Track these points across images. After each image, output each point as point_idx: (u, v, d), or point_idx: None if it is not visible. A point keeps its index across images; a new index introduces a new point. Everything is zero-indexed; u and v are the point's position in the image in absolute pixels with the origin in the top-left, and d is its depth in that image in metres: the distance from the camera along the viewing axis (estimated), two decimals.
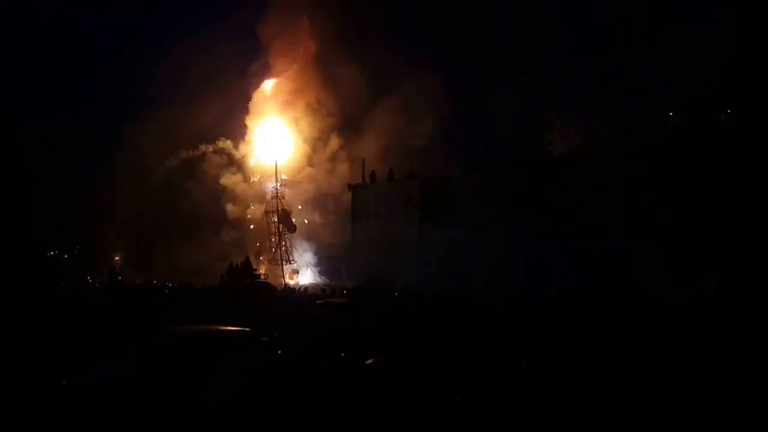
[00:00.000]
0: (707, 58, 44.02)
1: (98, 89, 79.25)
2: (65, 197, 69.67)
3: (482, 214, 42.60)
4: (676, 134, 40.48)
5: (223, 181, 73.23)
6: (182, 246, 69.78)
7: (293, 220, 68.97)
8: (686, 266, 31.86)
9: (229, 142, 75.05)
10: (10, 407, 10.75)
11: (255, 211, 72.07)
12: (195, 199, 71.99)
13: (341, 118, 71.74)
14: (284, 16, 69.68)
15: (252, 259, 60.45)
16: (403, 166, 52.46)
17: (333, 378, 12.63)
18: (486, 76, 61.44)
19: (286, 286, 54.36)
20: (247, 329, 16.00)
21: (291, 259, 67.25)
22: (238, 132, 75.68)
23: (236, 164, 74.90)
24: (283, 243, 67.78)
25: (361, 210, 52.39)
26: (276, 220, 68.15)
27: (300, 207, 70.27)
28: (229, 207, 72.35)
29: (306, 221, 69.83)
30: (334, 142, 70.20)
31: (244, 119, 75.24)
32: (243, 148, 75.17)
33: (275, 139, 72.55)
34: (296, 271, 66.70)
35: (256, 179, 73.61)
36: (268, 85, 74.96)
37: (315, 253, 66.87)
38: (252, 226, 72.43)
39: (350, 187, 55.14)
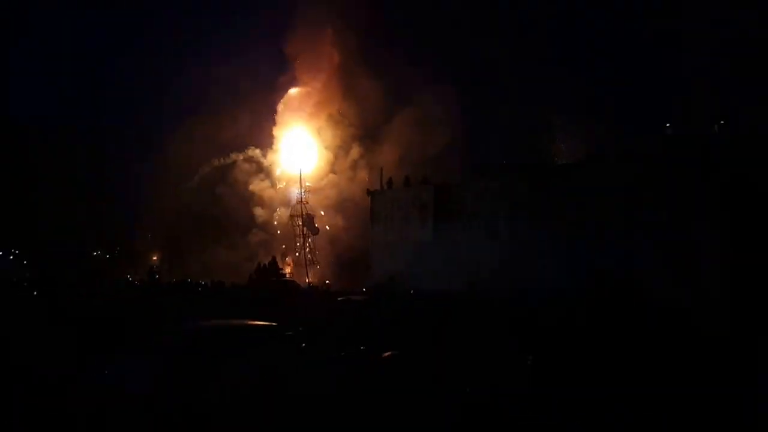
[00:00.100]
0: (705, 67, 43.93)
1: (140, 101, 79.76)
2: (106, 201, 70.15)
3: (491, 217, 42.53)
4: (672, 143, 40.35)
5: (252, 187, 73.62)
6: (214, 247, 70.19)
7: (316, 224, 69.26)
8: (686, 267, 31.63)
9: (258, 151, 75.64)
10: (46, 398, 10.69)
11: (281, 214, 72.41)
12: (226, 204, 72.54)
13: (362, 129, 72.17)
14: (309, 32, 70.31)
15: (278, 260, 60.55)
16: (418, 173, 52.48)
17: (352, 369, 12.56)
18: (495, 88, 61.67)
19: (310, 284, 54.33)
20: (273, 323, 15.95)
21: (314, 259, 67.33)
22: (266, 141, 76.27)
23: (264, 171, 75.39)
24: (307, 245, 67.89)
25: (379, 214, 52.35)
26: (300, 223, 68.37)
27: (323, 213, 70.52)
28: (258, 211, 72.75)
29: (327, 227, 70.03)
30: (355, 151, 70.60)
31: (271, 129, 75.85)
32: (270, 156, 75.66)
33: (300, 147, 72.94)
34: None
35: (282, 185, 73.98)
36: (294, 92, 75.39)
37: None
38: (279, 231, 72.71)
39: (369, 192, 55.14)
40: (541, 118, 57.92)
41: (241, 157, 75.31)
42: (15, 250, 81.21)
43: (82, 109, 77.84)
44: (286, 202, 72.38)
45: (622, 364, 12.48)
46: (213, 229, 72.15)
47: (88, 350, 13.42)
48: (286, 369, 12.93)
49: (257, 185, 74.07)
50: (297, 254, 68.15)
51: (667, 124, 43.74)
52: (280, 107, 75.58)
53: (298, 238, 68.58)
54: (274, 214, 72.90)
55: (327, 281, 56.61)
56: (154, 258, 76.70)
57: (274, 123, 75.71)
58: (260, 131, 76.49)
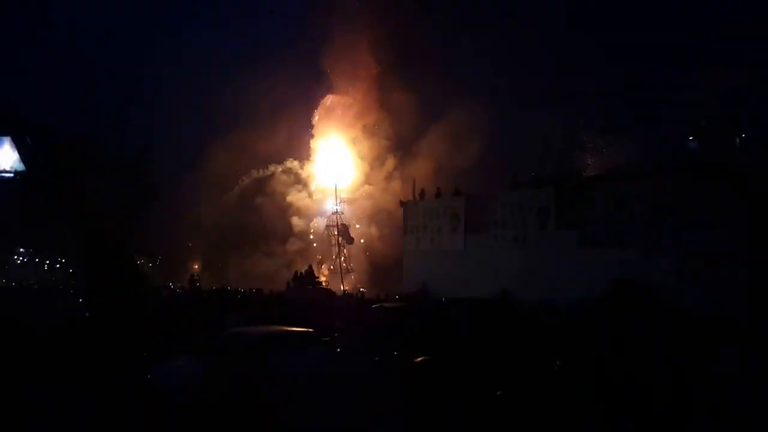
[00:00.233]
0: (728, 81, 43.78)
1: (183, 113, 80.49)
2: (148, 211, 70.90)
3: (520, 227, 42.54)
4: (694, 157, 40.29)
5: (290, 198, 74.20)
6: (253, 255, 70.80)
7: (351, 234, 69.56)
8: (709, 278, 31.47)
9: (296, 163, 76.25)
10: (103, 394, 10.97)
11: (317, 224, 72.81)
12: (265, 214, 73.15)
13: (396, 141, 72.56)
14: (346, 45, 70.65)
15: (315, 268, 60.84)
16: (451, 184, 52.53)
17: (385, 373, 12.78)
18: (525, 103, 61.60)
19: (345, 292, 54.54)
20: (310, 330, 16.22)
21: (349, 268, 67.58)
22: (304, 152, 76.88)
23: (302, 182, 75.95)
24: (342, 254, 68.20)
25: (411, 224, 52.40)
26: (336, 233, 68.71)
27: (357, 226, 70.83)
28: (295, 220, 73.30)
29: (362, 241, 70.33)
30: (390, 163, 70.96)
31: (309, 141, 76.45)
32: (308, 168, 76.15)
33: (336, 159, 73.41)
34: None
35: (318, 197, 74.43)
36: (330, 102, 75.94)
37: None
38: (315, 244, 73.12)
39: (402, 203, 55.24)
40: (571, 131, 58.11)
41: (280, 169, 76.09)
42: (62, 259, 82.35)
43: (125, 122, 78.52)
44: (322, 212, 72.85)
45: (641, 368, 12.59)
46: (252, 239, 72.84)
47: (137, 354, 13.76)
48: (322, 372, 13.18)
49: (294, 196, 74.73)
50: (333, 263, 68.43)
51: (690, 137, 43.71)
52: (316, 117, 76.26)
53: (333, 248, 68.89)
54: (311, 223, 73.41)
55: (362, 289, 56.75)
56: (195, 267, 77.37)
57: (311, 135, 76.46)
58: (298, 143, 77.34)
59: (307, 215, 73.85)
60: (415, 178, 56.88)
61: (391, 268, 59.45)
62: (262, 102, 70.98)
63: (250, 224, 73.15)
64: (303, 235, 73.31)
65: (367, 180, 72.88)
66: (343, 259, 67.79)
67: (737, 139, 40.45)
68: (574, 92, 58.02)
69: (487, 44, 61.11)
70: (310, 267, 58.84)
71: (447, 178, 56.34)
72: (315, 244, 72.78)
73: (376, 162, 72.72)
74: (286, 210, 73.88)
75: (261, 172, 75.90)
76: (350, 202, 71.68)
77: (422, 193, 53.35)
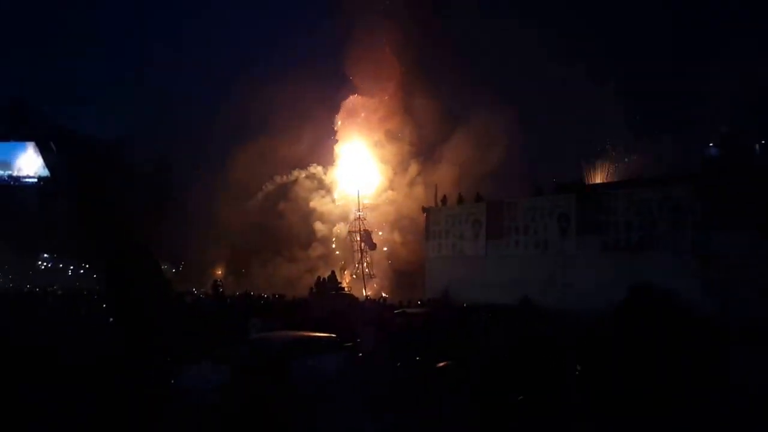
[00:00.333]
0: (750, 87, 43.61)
1: (207, 120, 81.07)
2: (172, 217, 71.26)
3: (541, 234, 42.54)
4: (714, 163, 40.19)
5: (313, 203, 74.28)
6: (276, 261, 70.92)
7: (374, 239, 69.48)
8: (729, 285, 31.27)
9: (319, 168, 76.39)
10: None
11: (340, 230, 72.83)
12: (288, 219, 73.22)
13: (419, 146, 72.49)
14: (368, 47, 70.67)
15: (337, 274, 60.87)
16: (472, 190, 52.53)
17: (408, 379, 12.77)
18: (547, 108, 61.54)
19: (367, 297, 54.55)
20: (333, 335, 16.25)
21: (372, 273, 67.54)
22: (327, 158, 77.02)
23: (325, 188, 76.04)
24: (365, 259, 68.17)
25: (433, 230, 52.42)
26: (359, 239, 68.68)
27: (380, 234, 70.76)
28: (318, 225, 73.32)
29: (385, 248, 70.26)
30: (413, 169, 70.87)
31: (332, 146, 76.57)
32: (331, 173, 76.24)
33: (358, 164, 73.38)
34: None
35: (341, 202, 74.43)
36: (352, 104, 75.96)
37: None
38: (336, 250, 73.16)
39: (424, 209, 55.25)
40: (593, 137, 57.93)
41: (303, 174, 76.27)
42: (85, 265, 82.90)
43: (150, 128, 79.16)
44: (344, 217, 72.87)
45: (660, 374, 12.45)
46: (275, 244, 72.96)
47: (161, 360, 13.81)
48: (344, 377, 13.21)
49: (318, 201, 74.80)
50: (355, 269, 68.42)
51: (710, 144, 43.60)
52: (338, 122, 76.32)
53: (356, 253, 68.88)
54: (334, 228, 73.43)
55: (384, 294, 56.73)
56: (219, 272, 77.57)
57: (335, 140, 76.58)
58: (322, 148, 77.60)
59: (330, 221, 73.92)
60: (438, 183, 56.91)
61: (414, 274, 59.44)
62: (287, 107, 71.47)
63: (274, 230, 73.31)
64: (326, 240, 73.43)
65: (390, 186, 72.87)
66: (365, 264, 67.74)
67: (757, 146, 40.29)
68: (597, 98, 57.90)
69: (510, 49, 61.06)
70: (333, 273, 58.87)
71: (469, 184, 56.29)
72: (337, 252, 72.83)
73: (399, 167, 72.71)
74: (309, 215, 74.01)
75: (285, 177, 76.15)
76: (373, 207, 71.65)
77: (444, 199, 53.37)
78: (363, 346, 16.80)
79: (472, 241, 48.36)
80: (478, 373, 12.32)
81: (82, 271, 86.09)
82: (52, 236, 72.36)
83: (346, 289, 58.06)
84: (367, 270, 67.38)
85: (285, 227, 73.33)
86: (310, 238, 73.34)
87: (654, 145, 51.73)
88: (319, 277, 58.02)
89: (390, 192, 72.34)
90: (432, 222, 53.16)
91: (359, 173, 72.39)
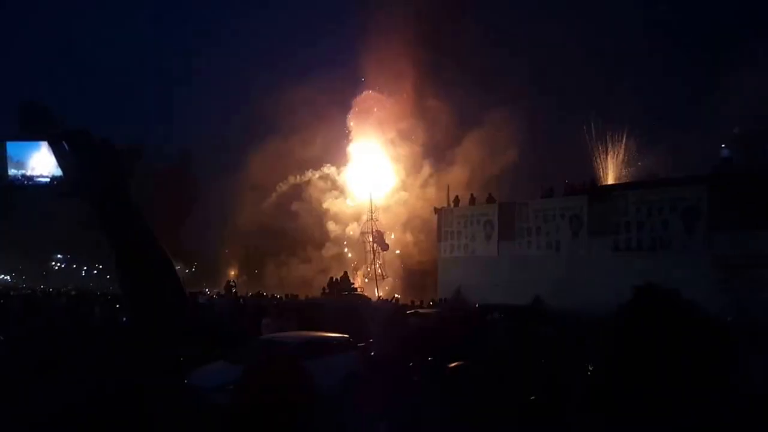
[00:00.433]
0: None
1: (222, 122, 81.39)
2: (185, 217, 71.39)
3: (553, 235, 42.44)
4: (726, 165, 40.01)
5: (326, 204, 74.16)
6: (289, 261, 70.88)
7: (386, 240, 69.30)
8: (738, 282, 31.12)
9: (333, 168, 76.24)
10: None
11: (353, 230, 72.69)
12: (301, 220, 73.13)
13: (432, 148, 72.32)
14: (382, 44, 70.44)
15: (350, 274, 60.79)
16: (484, 191, 52.46)
17: (420, 379, 12.67)
18: (560, 111, 61.46)
19: (380, 297, 54.48)
20: (346, 335, 16.18)
21: (384, 274, 67.41)
22: (341, 158, 76.91)
23: (339, 188, 75.92)
24: (378, 260, 68.03)
25: (445, 231, 52.38)
26: (371, 239, 68.52)
27: (393, 236, 70.55)
28: (331, 226, 73.20)
29: (397, 252, 70.07)
30: (426, 170, 70.69)
31: (346, 146, 76.54)
32: (344, 173, 76.13)
33: (371, 164, 73.15)
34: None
35: (353, 204, 74.26)
36: (366, 100, 76.05)
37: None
38: (348, 252, 73.02)
39: (436, 210, 55.16)
40: (604, 139, 57.75)
41: (317, 175, 76.20)
42: (99, 265, 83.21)
43: (164, 128, 79.65)
44: (357, 218, 72.72)
45: (668, 374, 12.28)
46: (288, 244, 72.92)
47: (174, 359, 13.76)
48: (357, 377, 13.13)
49: (331, 201, 74.66)
50: (368, 269, 68.30)
51: (722, 145, 43.39)
52: (351, 122, 76.18)
53: (368, 254, 68.74)
54: (346, 229, 73.30)
55: (396, 295, 56.67)
56: (232, 272, 77.62)
57: (348, 140, 76.49)
58: (336, 148, 77.45)
59: (343, 221, 73.81)
60: (450, 185, 56.84)
61: (426, 274, 59.31)
62: (302, 108, 71.37)
63: (287, 230, 73.24)
64: (339, 240, 73.31)
65: (403, 186, 72.70)
66: (378, 265, 67.63)
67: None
68: (609, 100, 57.77)
69: (522, 52, 61.00)
70: (346, 273, 58.85)
71: (481, 185, 56.27)
72: (350, 254, 72.66)
73: (411, 168, 72.58)
74: (322, 216, 73.92)
75: (298, 177, 76.09)
76: (385, 208, 71.46)
77: (456, 200, 53.29)
78: (375, 346, 16.74)
79: (485, 242, 48.31)
80: (491, 373, 12.23)
81: (95, 272, 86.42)
82: (65, 237, 72.57)
83: (358, 289, 58.03)
84: (379, 270, 67.31)
85: (298, 228, 73.24)
86: (323, 238, 73.28)
87: (667, 146, 51.51)
88: (331, 278, 58.03)
89: (402, 193, 72.22)
90: (444, 223, 53.10)
91: (372, 173, 72.13)
